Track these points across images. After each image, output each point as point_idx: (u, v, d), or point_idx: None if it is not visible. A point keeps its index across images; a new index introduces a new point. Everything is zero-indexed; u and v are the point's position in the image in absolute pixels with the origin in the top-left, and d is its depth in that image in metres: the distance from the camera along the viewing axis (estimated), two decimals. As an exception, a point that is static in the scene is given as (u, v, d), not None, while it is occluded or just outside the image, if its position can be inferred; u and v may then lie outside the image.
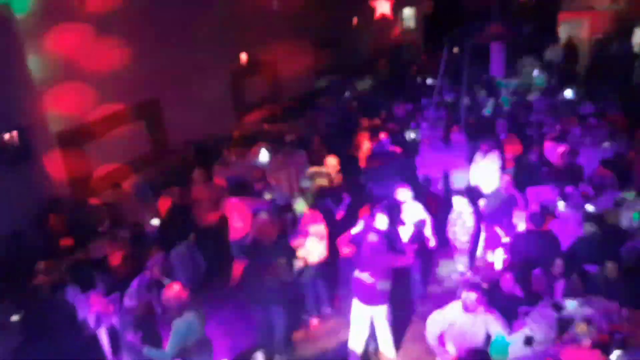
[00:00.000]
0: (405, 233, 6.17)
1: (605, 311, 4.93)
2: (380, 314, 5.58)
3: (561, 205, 6.92)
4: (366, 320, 5.62)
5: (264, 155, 8.69)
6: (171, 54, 8.47)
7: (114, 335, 5.71)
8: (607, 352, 4.45)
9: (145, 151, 8.43)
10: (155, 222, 7.00)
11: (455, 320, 4.94)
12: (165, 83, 8.47)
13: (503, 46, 12.30)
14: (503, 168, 7.74)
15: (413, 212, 6.53)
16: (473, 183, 7.75)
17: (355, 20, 14.41)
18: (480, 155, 7.77)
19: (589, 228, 6.19)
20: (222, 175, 7.98)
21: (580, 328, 4.76)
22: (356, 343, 5.72)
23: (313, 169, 7.73)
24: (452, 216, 6.87)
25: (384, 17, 15.24)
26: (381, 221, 5.58)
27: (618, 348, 4.43)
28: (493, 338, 4.87)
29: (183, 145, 8.78)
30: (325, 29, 12.83)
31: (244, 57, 10.06)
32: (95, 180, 7.54)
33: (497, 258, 6.75)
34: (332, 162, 7.68)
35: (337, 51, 13.55)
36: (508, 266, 6.15)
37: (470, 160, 7.97)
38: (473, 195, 7.21)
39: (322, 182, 7.34)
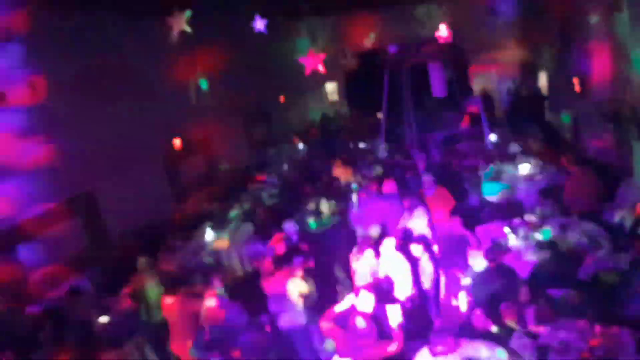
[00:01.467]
0: (393, 312, 5.50)
1: (579, 331, 4.94)
2: None
3: (511, 238, 7.07)
4: None
5: (209, 235, 8.44)
6: (102, 145, 8.23)
7: None
8: (590, 370, 4.41)
9: (83, 248, 7.96)
10: (104, 319, 6.49)
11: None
12: (98, 175, 8.17)
13: (441, 65, 12.70)
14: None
15: (396, 263, 6.34)
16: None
17: (282, 97, 14.88)
18: (407, 214, 7.85)
19: (542, 255, 6.35)
20: (169, 261, 7.65)
21: (559, 353, 4.75)
22: None
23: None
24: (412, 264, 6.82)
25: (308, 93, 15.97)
26: (367, 301, 5.26)
27: (600, 364, 4.40)
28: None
29: (123, 236, 8.39)
30: (256, 105, 13.09)
31: (177, 141, 9.99)
32: (31, 284, 6.97)
33: (462, 300, 6.74)
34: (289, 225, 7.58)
35: (269, 125, 13.80)
36: (474, 305, 6.12)
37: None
38: (427, 241, 7.24)
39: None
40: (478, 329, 5.38)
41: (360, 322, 4.98)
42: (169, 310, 6.16)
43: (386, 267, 6.27)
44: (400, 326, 5.33)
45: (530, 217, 7.43)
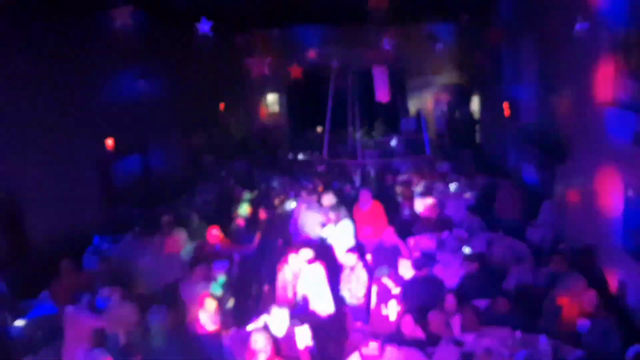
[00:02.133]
0: (302, 334, 5.32)
1: (502, 338, 5.15)
2: None
3: (440, 250, 7.30)
4: None
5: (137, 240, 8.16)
6: (27, 145, 7.78)
7: None
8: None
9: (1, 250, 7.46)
10: (20, 323, 6.11)
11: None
12: (20, 178, 7.69)
13: (386, 70, 12.89)
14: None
15: (313, 275, 6.37)
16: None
17: (222, 105, 14.71)
18: (332, 225, 7.99)
19: (469, 267, 6.59)
20: (93, 264, 7.36)
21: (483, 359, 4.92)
22: None
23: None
24: (345, 273, 6.88)
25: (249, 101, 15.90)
26: (280, 321, 5.19)
27: (521, 369, 4.60)
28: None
29: (48, 239, 7.94)
30: (195, 114, 12.87)
31: (110, 142, 9.61)
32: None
33: (391, 309, 6.86)
34: (215, 232, 7.49)
35: (208, 134, 13.59)
36: (404, 313, 6.25)
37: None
38: (361, 249, 7.36)
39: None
40: (407, 336, 5.48)
41: (256, 341, 4.74)
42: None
43: (303, 280, 6.27)
44: (309, 349, 5.22)
45: (458, 232, 7.72)
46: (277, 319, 5.21)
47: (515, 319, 5.46)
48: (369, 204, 8.25)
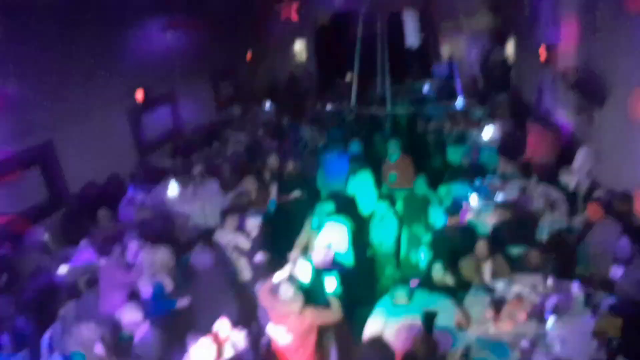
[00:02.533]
0: (330, 283, 5.33)
1: (533, 284, 5.14)
2: None
3: (473, 198, 7.23)
4: None
5: (173, 189, 8.32)
6: (63, 92, 7.92)
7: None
8: (542, 321, 4.61)
9: (41, 198, 7.73)
10: (63, 270, 6.37)
11: (390, 317, 4.92)
12: (58, 124, 7.87)
13: (417, 13, 12.46)
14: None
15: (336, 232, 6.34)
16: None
17: (249, 54, 14.52)
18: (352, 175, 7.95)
19: (502, 215, 6.52)
20: (129, 214, 7.55)
21: (513, 305, 4.94)
22: None
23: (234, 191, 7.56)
24: (375, 221, 6.92)
25: (277, 49, 15.61)
26: (305, 270, 5.20)
27: (552, 314, 4.60)
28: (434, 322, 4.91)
29: (84, 188, 8.18)
30: (222, 62, 12.78)
31: (140, 93, 9.67)
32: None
33: (420, 257, 6.91)
34: (250, 181, 7.54)
35: (235, 82, 13.51)
36: (434, 260, 6.28)
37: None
38: (391, 198, 7.35)
39: (243, 200, 7.18)
40: (436, 283, 5.53)
41: (286, 291, 4.74)
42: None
43: (327, 232, 6.25)
44: (339, 295, 5.22)
45: (492, 179, 7.61)
46: (303, 269, 5.23)
47: (547, 266, 5.43)
48: (397, 155, 8.18)
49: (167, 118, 10.76)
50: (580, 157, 7.89)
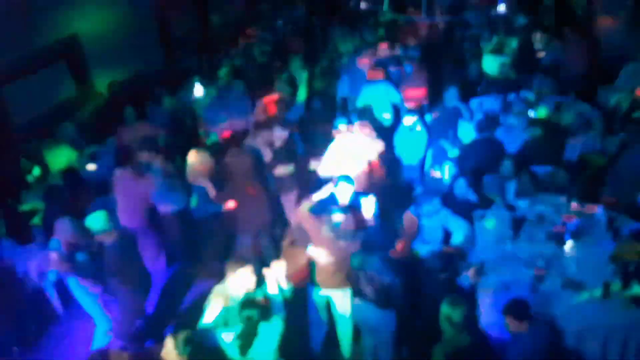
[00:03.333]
0: (367, 204, 5.06)
1: (556, 205, 5.07)
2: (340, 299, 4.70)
3: (505, 113, 6.98)
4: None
5: (198, 90, 8.25)
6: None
7: (60, 287, 5.36)
8: (561, 243, 4.59)
9: (69, 93, 7.76)
10: (92, 167, 6.53)
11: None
12: (84, 25, 7.70)
13: None
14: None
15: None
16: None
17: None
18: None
19: (533, 131, 6.31)
20: (155, 113, 7.57)
21: (533, 224, 4.91)
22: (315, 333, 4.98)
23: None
24: (403, 133, 6.77)
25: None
26: (345, 191, 4.91)
27: (571, 238, 4.57)
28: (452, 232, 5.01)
29: (110, 84, 8.15)
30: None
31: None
32: (18, 127, 6.88)
33: (446, 171, 6.82)
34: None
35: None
36: (458, 175, 6.21)
37: None
38: (422, 110, 7.16)
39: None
40: (459, 198, 5.49)
41: (338, 217, 4.49)
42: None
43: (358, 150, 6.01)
44: (374, 218, 5.01)
45: (526, 93, 7.30)
46: (342, 190, 4.95)
47: (573, 188, 5.32)
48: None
49: (192, 16, 10.40)
50: (625, 74, 7.48)
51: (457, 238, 5.03)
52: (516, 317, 3.65)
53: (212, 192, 5.66)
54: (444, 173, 6.73)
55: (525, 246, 4.74)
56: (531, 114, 6.88)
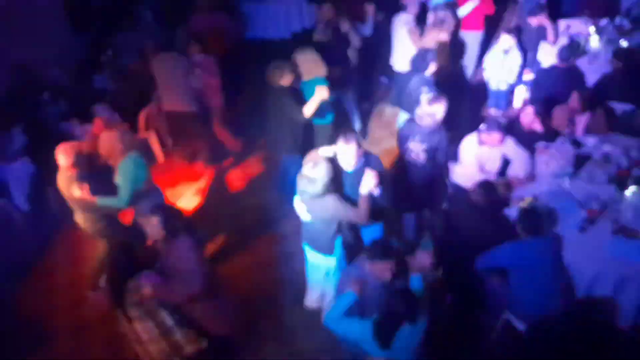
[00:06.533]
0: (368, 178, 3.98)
1: (625, 147, 4.80)
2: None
3: (594, 39, 6.44)
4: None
5: None
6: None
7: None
8: (623, 187, 4.39)
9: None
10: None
11: (472, 151, 4.90)
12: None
13: None
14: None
15: None
16: None
17: None
18: None
19: (617, 65, 5.81)
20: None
21: (596, 164, 4.70)
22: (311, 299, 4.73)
23: None
24: (498, 55, 6.38)
25: None
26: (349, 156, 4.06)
27: (635, 184, 4.36)
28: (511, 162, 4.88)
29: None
30: None
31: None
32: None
33: (518, 95, 6.51)
34: None
35: None
36: (529, 102, 5.93)
37: None
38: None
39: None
40: (525, 126, 5.27)
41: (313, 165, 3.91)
42: None
43: None
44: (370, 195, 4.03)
45: (622, 20, 6.64)
46: (347, 155, 4.06)
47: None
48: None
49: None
50: None
51: (516, 169, 4.92)
52: None
53: None
54: (516, 96, 6.45)
55: (584, 185, 4.57)
56: (623, 43, 6.31)
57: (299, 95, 5.29)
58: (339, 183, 4.07)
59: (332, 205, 3.93)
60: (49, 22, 6.68)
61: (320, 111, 5.27)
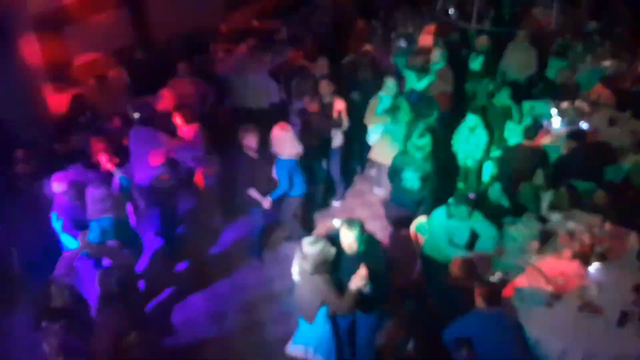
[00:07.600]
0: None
1: (588, 225, 4.96)
2: None
3: (556, 120, 6.79)
4: None
5: None
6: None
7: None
8: (586, 263, 4.52)
9: (127, 42, 7.96)
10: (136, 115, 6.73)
11: (441, 225, 4.99)
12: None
13: None
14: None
15: None
16: None
17: None
18: None
19: (571, 145, 6.09)
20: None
21: (563, 240, 4.83)
22: None
23: None
24: (463, 132, 6.66)
25: None
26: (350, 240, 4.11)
27: (597, 260, 4.49)
28: (480, 236, 4.97)
29: (167, 38, 8.29)
30: None
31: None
32: (75, 68, 7.16)
33: (486, 171, 6.75)
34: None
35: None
36: (496, 178, 6.14)
37: None
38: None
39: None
40: (492, 203, 5.44)
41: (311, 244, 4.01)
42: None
43: None
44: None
45: (581, 103, 7.05)
46: (349, 239, 4.09)
47: (611, 210, 5.16)
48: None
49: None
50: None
51: (484, 243, 5.02)
52: None
53: None
54: (484, 172, 6.67)
55: (550, 261, 4.68)
56: (583, 125, 6.67)
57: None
58: (336, 264, 4.04)
59: (317, 287, 3.93)
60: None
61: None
